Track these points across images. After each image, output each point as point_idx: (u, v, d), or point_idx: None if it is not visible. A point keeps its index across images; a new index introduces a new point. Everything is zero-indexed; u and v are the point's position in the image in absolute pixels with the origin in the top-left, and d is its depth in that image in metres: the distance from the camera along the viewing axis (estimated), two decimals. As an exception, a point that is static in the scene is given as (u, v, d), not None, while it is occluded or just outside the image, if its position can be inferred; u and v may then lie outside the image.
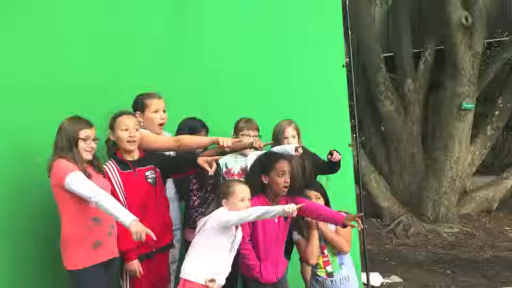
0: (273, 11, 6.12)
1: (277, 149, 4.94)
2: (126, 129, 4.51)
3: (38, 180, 4.51)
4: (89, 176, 4.17)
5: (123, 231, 4.22)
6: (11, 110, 4.72)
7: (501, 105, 11.73)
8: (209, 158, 4.50)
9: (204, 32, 5.72)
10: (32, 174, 4.65)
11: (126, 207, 4.19)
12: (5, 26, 4.79)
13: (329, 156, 5.07)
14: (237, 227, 4.37)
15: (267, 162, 4.58)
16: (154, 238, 3.96)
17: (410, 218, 10.76)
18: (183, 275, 4.30)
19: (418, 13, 13.91)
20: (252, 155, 5.03)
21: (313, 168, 5.26)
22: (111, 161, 4.56)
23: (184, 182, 5.12)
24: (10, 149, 4.70)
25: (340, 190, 5.95)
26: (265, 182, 4.55)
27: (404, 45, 12.00)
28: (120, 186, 4.49)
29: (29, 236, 4.71)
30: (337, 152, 5.07)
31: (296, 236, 4.77)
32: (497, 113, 11.74)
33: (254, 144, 4.62)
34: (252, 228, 4.57)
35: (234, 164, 5.25)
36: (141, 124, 4.73)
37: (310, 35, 6.23)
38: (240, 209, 4.26)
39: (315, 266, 4.69)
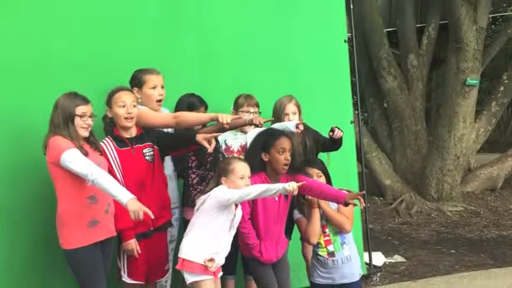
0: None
1: (277, 125, 4.88)
2: (124, 106, 4.45)
3: (35, 157, 4.44)
4: (86, 154, 4.12)
5: (120, 209, 4.19)
6: (9, 87, 4.66)
7: (506, 81, 11.64)
8: (208, 135, 4.47)
9: (203, 8, 5.62)
10: (29, 151, 4.59)
11: (123, 185, 4.15)
12: (4, 2, 4.71)
13: (330, 133, 5.00)
14: (236, 206, 4.34)
15: (267, 139, 4.52)
16: (152, 217, 3.94)
17: (414, 196, 10.71)
18: (182, 254, 4.28)
19: (421, -14, 13.78)
20: (252, 132, 4.98)
21: (315, 146, 5.21)
22: (108, 138, 4.52)
23: (183, 160, 5.08)
24: (8, 125, 4.64)
25: (342, 168, 5.93)
26: (266, 159, 4.50)
27: (408, 20, 11.86)
28: (118, 164, 4.44)
29: (26, 213, 4.67)
30: (339, 128, 5.00)
31: (297, 214, 4.71)
32: (502, 89, 11.65)
33: (254, 121, 4.56)
34: (252, 207, 4.52)
35: (234, 141, 5.21)
36: (139, 100, 4.67)
37: (312, 9, 6.15)
38: (239, 187, 4.23)
39: (316, 246, 4.63)
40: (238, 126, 4.87)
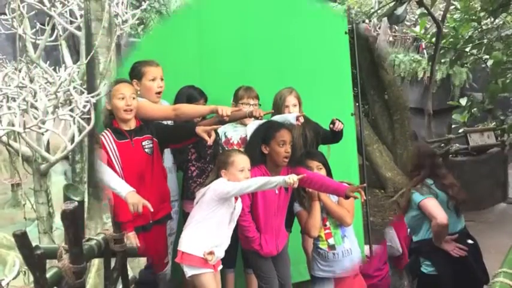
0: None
1: (277, 118, 4.85)
2: (123, 98, 4.42)
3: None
4: (84, 146, 4.09)
5: (119, 202, 4.14)
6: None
7: (507, 74, 11.61)
8: (208, 128, 4.43)
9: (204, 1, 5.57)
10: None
11: (122, 178, 4.13)
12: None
13: (331, 126, 4.98)
14: (236, 198, 4.33)
15: (267, 132, 4.50)
16: (151, 209, 3.92)
17: (415, 189, 10.67)
18: (181, 247, 4.26)
19: (423, -21, 13.72)
20: (252, 125, 4.95)
21: (315, 138, 5.19)
22: (107, 130, 4.48)
23: (183, 152, 5.05)
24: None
25: (343, 160, 5.89)
26: (266, 152, 4.48)
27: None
28: (117, 156, 4.40)
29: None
30: (340, 121, 4.98)
31: (297, 207, 4.70)
32: (502, 81, 11.62)
33: (254, 113, 4.51)
34: (252, 200, 4.50)
35: (234, 133, 5.18)
36: (138, 93, 4.64)
37: (312, 0, 6.09)
38: (239, 179, 4.21)
39: (317, 239, 4.62)
40: (238, 119, 4.82)
